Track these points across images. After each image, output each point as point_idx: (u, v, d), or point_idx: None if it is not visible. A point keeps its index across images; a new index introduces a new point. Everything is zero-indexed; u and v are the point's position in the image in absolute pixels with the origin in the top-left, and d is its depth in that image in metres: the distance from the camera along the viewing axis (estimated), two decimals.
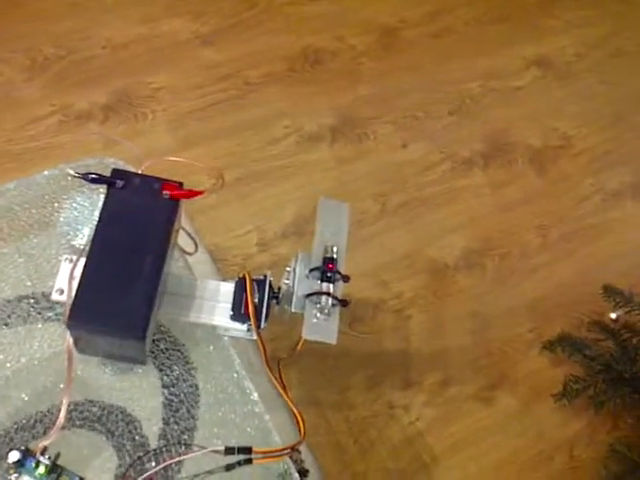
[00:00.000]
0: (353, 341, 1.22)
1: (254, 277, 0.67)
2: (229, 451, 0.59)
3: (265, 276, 0.66)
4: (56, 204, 0.74)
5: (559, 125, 1.54)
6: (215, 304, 0.66)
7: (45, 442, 0.57)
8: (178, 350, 0.71)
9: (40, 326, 0.70)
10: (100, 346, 0.62)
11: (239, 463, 0.58)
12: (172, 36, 1.48)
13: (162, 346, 0.70)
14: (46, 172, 0.76)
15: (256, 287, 0.66)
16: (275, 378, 0.65)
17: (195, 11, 1.52)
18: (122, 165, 0.76)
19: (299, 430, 0.62)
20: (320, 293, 0.62)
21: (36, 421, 0.64)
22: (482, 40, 1.62)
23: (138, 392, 0.67)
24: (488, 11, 1.66)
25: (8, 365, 0.67)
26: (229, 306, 0.66)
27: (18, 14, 1.45)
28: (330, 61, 1.52)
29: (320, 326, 0.61)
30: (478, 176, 1.45)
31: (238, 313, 0.65)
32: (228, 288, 0.67)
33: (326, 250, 0.65)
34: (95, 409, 0.66)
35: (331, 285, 0.63)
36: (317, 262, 0.64)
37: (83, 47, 1.43)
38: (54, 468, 0.57)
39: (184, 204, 0.66)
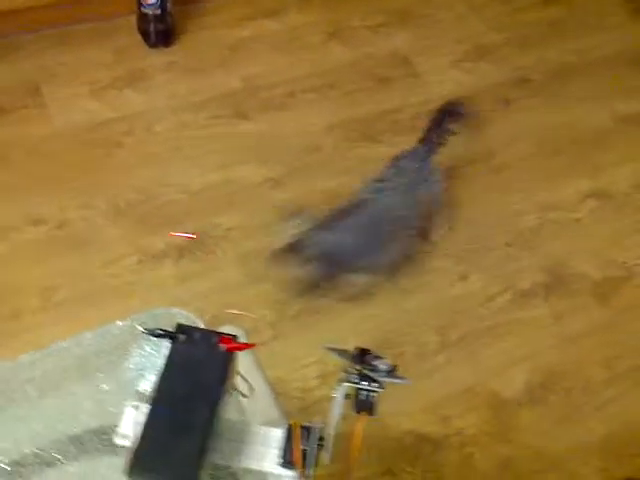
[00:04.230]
0: None
1: (305, 424, 0.70)
2: None
3: (313, 427, 0.69)
4: (126, 352, 0.80)
5: (619, 256, 1.54)
6: (265, 450, 0.69)
7: None
8: None
9: (104, 461, 0.75)
10: None
11: None
12: (244, 180, 1.61)
13: None
14: (120, 323, 0.83)
15: (306, 433, 0.69)
16: None
17: (264, 159, 1.64)
18: (185, 315, 0.83)
19: None
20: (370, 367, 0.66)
21: None
22: (538, 174, 1.67)
23: None
24: (542, 147, 1.71)
25: None
26: (278, 452, 0.69)
27: (103, 167, 1.62)
28: None
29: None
30: (539, 307, 1.46)
31: (287, 460, 0.68)
32: (278, 434, 0.70)
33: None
34: None
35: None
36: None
37: (162, 193, 1.57)
38: None
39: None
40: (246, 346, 0.69)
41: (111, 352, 0.81)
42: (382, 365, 0.69)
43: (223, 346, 0.68)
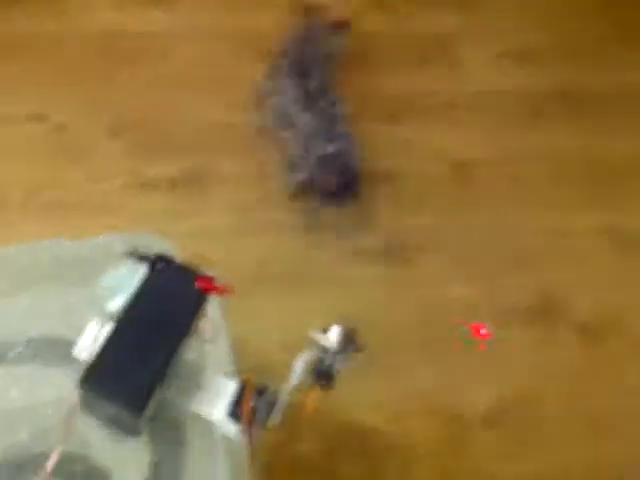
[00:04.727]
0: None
1: (260, 384, 0.68)
2: None
3: (267, 388, 0.67)
4: (102, 268, 0.78)
5: (617, 300, 1.48)
6: (216, 399, 0.69)
7: None
8: (175, 431, 0.73)
9: (56, 370, 0.74)
10: (101, 411, 0.65)
11: None
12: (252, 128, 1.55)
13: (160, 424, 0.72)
14: (102, 238, 0.81)
15: (259, 393, 0.67)
16: None
17: None
18: (167, 247, 0.81)
19: None
20: None
21: (26, 462, 0.67)
22: (554, 196, 1.61)
23: (125, 458, 0.71)
24: (563, 170, 1.66)
25: (18, 401, 0.72)
26: (228, 404, 0.67)
27: (113, 81, 1.57)
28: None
29: None
30: (520, 331, 1.42)
31: (234, 414, 0.66)
32: (233, 387, 0.69)
33: None
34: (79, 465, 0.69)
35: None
36: None
37: (168, 121, 1.52)
38: None
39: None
40: (222, 290, 0.67)
41: (87, 265, 0.80)
42: (332, 335, 0.68)
43: (199, 285, 0.66)
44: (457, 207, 1.55)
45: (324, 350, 0.68)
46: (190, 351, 0.73)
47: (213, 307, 0.82)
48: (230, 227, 1.41)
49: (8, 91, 1.50)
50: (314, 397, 0.66)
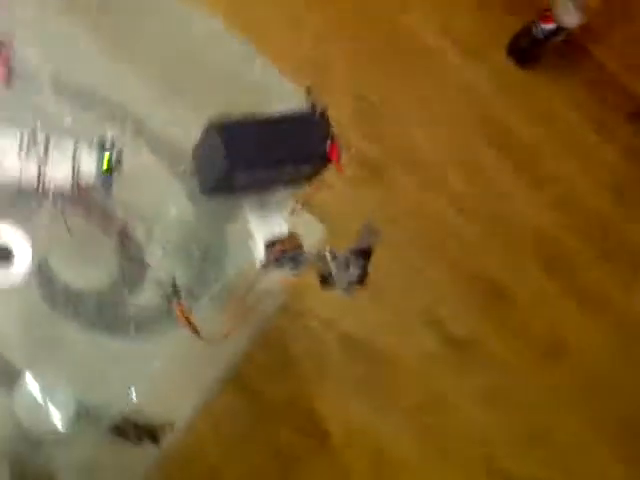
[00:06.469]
0: None
1: (301, 245, 0.80)
2: None
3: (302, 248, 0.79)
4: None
5: None
6: (266, 226, 0.81)
7: None
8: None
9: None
10: (204, 156, 0.79)
11: None
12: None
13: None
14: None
15: (295, 249, 0.79)
16: None
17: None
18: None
19: None
20: None
21: None
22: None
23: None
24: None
25: None
26: (271, 236, 0.80)
27: (377, 65, 1.77)
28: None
29: None
30: None
31: (270, 245, 0.79)
32: (284, 228, 0.81)
33: None
34: None
35: None
36: None
37: (401, 121, 1.73)
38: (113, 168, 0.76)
39: None
40: (339, 167, 0.79)
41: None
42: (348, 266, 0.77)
43: (329, 148, 0.79)
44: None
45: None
46: (283, 196, 0.85)
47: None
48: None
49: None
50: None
